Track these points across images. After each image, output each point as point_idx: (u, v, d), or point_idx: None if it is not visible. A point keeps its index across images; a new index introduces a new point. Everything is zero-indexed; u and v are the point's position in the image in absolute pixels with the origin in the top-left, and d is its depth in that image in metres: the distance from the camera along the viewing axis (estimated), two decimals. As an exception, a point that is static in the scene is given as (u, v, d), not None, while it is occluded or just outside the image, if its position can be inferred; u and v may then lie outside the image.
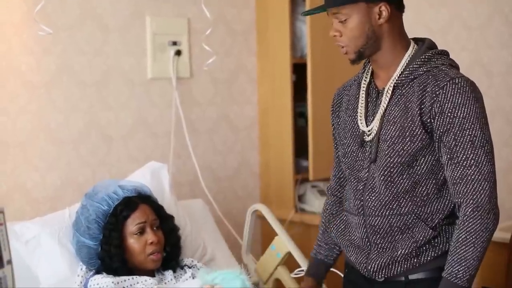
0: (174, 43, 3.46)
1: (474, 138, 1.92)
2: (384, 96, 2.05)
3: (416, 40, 2.12)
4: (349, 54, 2.05)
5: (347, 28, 2.01)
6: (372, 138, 2.07)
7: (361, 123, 2.11)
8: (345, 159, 2.18)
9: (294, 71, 3.65)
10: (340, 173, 2.33)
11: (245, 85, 3.77)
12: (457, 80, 1.95)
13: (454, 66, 2.06)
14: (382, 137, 2.04)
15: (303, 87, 3.58)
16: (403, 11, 2.07)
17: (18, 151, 3.02)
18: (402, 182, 2.03)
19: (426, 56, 2.02)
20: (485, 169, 1.93)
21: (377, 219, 2.08)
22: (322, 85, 3.50)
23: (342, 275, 2.35)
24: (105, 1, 3.25)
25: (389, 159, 2.02)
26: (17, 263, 2.39)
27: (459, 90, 1.93)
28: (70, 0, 3.15)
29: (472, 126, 1.92)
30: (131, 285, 2.31)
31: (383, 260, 2.08)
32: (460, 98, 1.93)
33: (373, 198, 2.08)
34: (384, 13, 1.99)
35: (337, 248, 2.36)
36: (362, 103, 2.13)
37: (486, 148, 1.93)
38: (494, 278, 2.84)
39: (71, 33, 3.16)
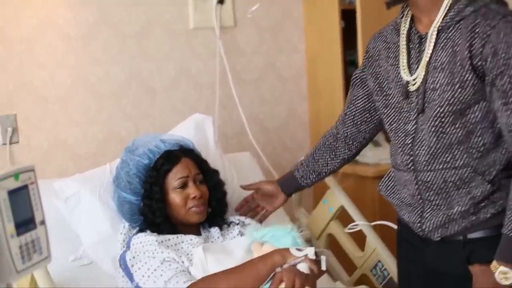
0: (217, -9, 3.31)
1: None
2: (428, 41, 1.89)
3: None
4: None
5: None
6: (418, 88, 1.91)
7: (404, 72, 1.95)
8: (388, 111, 2.03)
9: (342, 18, 3.49)
10: (348, 110, 2.26)
11: (291, 33, 3.62)
12: (510, 17, 1.77)
13: (505, 3, 1.88)
14: (430, 86, 1.88)
15: (353, 34, 3.42)
16: None
17: (57, 107, 2.94)
18: (455, 132, 1.87)
19: None
20: None
21: (429, 174, 1.93)
22: (372, 31, 3.20)
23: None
24: (145, -50, 3.12)
25: (439, 108, 1.86)
26: (58, 221, 2.34)
27: None
28: None
29: None
30: (175, 244, 2.19)
31: (438, 218, 1.94)
32: None
33: (424, 151, 1.92)
34: None
35: (314, 176, 2.40)
36: (403, 51, 1.97)
37: None
38: None
39: (109, -17, 3.04)
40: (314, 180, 2.43)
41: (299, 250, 1.98)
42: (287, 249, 2.00)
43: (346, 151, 2.35)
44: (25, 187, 1.45)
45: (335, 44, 3.49)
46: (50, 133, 2.92)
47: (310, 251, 1.97)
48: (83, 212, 2.37)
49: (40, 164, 2.84)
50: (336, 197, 2.65)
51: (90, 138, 3.02)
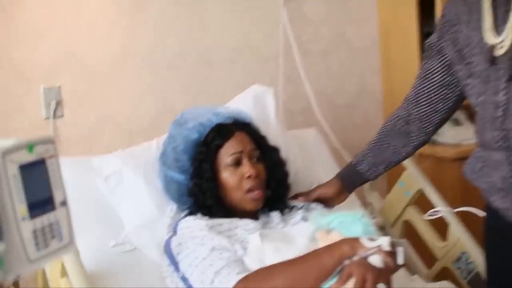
0: (279, -48, 3.04)
1: None
2: None
3: None
4: None
5: None
6: (506, 51, 1.65)
7: (489, 35, 1.69)
8: (472, 82, 1.77)
9: (419, -15, 3.22)
10: (421, 87, 1.98)
11: (363, 0, 3.34)
12: None
13: None
14: None
15: (430, 2, 3.15)
16: None
17: (105, 77, 2.72)
18: None
19: None
20: None
21: None
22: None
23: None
24: None
25: None
26: (98, 202, 2.11)
27: None
28: None
29: None
30: (229, 229, 1.92)
31: None
32: None
33: None
34: None
35: (383, 167, 2.10)
36: (487, 11, 1.70)
37: None
38: None
39: None
40: (382, 171, 2.13)
41: (371, 240, 1.68)
42: (357, 239, 1.70)
43: (421, 135, 2.05)
44: (41, 161, 1.21)
45: (411, 14, 3.22)
46: (98, 107, 2.71)
47: (384, 242, 1.67)
48: (125, 192, 2.12)
49: (86, 140, 2.67)
50: (414, 180, 2.37)
51: (142, 112, 2.80)
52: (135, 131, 2.77)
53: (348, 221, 1.78)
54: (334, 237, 1.76)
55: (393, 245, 1.68)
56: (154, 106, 2.82)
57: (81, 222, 2.06)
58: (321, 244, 1.77)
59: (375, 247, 1.66)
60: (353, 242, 1.69)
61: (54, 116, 2.57)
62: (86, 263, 1.85)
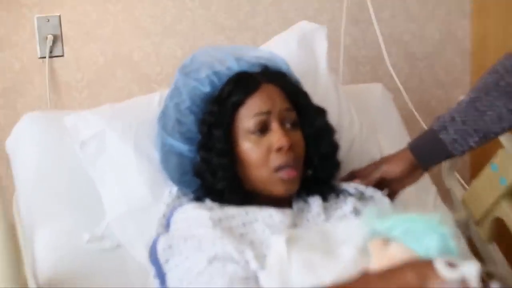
0: None
1: None
2: None
3: None
4: None
5: None
6: None
7: None
8: None
9: None
10: None
11: None
12: None
13: None
14: None
15: None
16: None
17: (119, 8, 2.28)
18: None
19: None
20: None
21: None
22: None
23: None
24: None
25: None
26: (73, 177, 1.61)
27: None
28: None
29: None
30: (243, 224, 1.38)
31: None
32: None
33: None
34: None
35: (477, 138, 1.59)
36: None
37: None
38: None
39: None
40: (475, 144, 1.61)
41: (451, 266, 1.10)
42: (429, 263, 1.11)
43: None
44: None
45: None
46: (108, 44, 2.29)
47: (471, 272, 1.08)
48: (108, 165, 1.59)
49: (93, 86, 2.27)
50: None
51: (164, 54, 2.36)
52: (154, 77, 2.34)
53: (418, 229, 1.19)
54: (395, 254, 1.17)
55: (483, 279, 1.10)
56: (179, 46, 2.38)
57: (47, 205, 1.55)
58: (375, 261, 1.19)
59: (457, 279, 1.08)
60: (423, 268, 1.11)
61: (51, 55, 2.19)
62: (51, 264, 1.46)
